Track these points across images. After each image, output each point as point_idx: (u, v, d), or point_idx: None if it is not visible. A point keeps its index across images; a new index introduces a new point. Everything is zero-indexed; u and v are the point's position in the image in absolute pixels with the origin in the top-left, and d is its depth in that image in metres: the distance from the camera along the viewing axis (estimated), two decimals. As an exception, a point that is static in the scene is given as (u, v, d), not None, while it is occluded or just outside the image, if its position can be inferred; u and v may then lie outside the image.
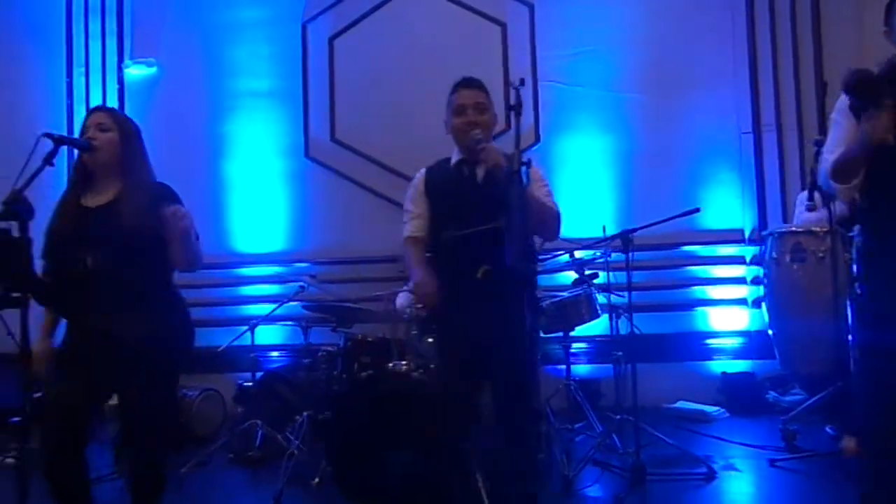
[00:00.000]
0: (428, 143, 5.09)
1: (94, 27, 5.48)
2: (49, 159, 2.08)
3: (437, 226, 2.55)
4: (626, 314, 3.20)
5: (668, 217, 3.14)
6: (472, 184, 2.53)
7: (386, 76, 5.17)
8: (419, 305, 2.55)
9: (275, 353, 5.15)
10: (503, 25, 5.07)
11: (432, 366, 2.91)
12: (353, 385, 2.96)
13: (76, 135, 2.29)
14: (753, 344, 4.70)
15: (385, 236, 5.07)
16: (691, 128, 4.87)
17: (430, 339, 3.05)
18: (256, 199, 5.28)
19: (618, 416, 3.37)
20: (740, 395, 4.44)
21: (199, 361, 2.72)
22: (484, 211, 2.37)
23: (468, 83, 2.64)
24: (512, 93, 2.20)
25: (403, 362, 2.98)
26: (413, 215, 2.61)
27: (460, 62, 5.04)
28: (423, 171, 2.67)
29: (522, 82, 2.17)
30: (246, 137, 5.33)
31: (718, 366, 4.69)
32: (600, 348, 4.46)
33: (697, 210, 3.21)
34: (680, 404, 4.35)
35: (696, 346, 4.78)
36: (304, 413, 3.47)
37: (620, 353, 3.43)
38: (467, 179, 2.55)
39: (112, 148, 2.24)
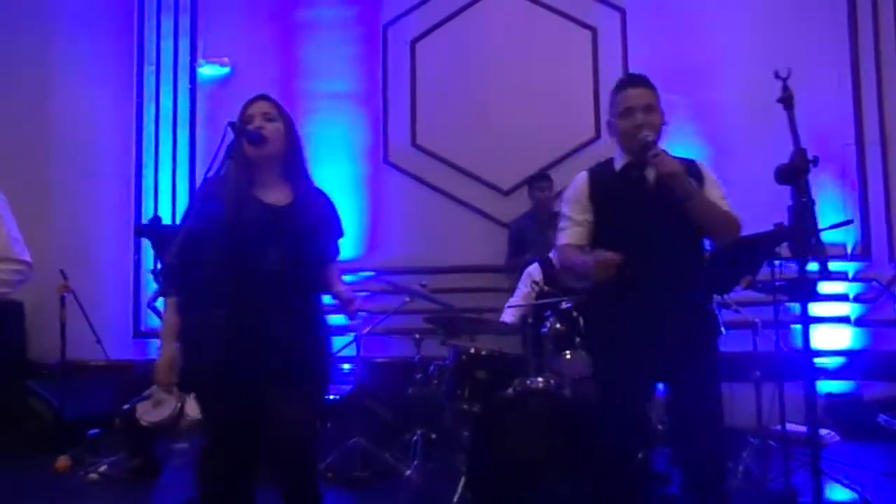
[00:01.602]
0: (512, 148, 5.03)
1: (167, 25, 5.35)
2: (231, 152, 1.92)
3: (603, 233, 2.33)
4: (769, 329, 3.01)
5: (823, 228, 2.95)
6: (641, 189, 2.30)
7: (469, 80, 5.02)
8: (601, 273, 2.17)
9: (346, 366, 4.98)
10: (593, 30, 4.93)
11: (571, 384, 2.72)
12: (496, 403, 2.75)
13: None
14: (857, 364, 4.50)
15: (466, 245, 4.93)
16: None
17: (568, 356, 2.85)
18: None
19: (755, 440, 3.17)
20: (848, 418, 4.23)
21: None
22: (656, 218, 2.18)
23: (635, 81, 2.36)
24: (780, 85, 1.95)
25: (540, 379, 2.79)
26: (574, 222, 2.37)
27: (547, 67, 4.94)
28: (584, 174, 2.41)
29: (789, 73, 1.96)
30: (321, 140, 5.16)
31: (821, 386, 4.48)
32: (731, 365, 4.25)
33: (850, 222, 3.02)
34: (788, 426, 4.14)
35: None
36: (418, 431, 3.27)
37: (759, 373, 3.23)
38: (636, 184, 2.31)
39: (279, 139, 2.07)
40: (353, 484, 3.39)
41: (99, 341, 4.31)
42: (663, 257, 2.17)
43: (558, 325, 2.85)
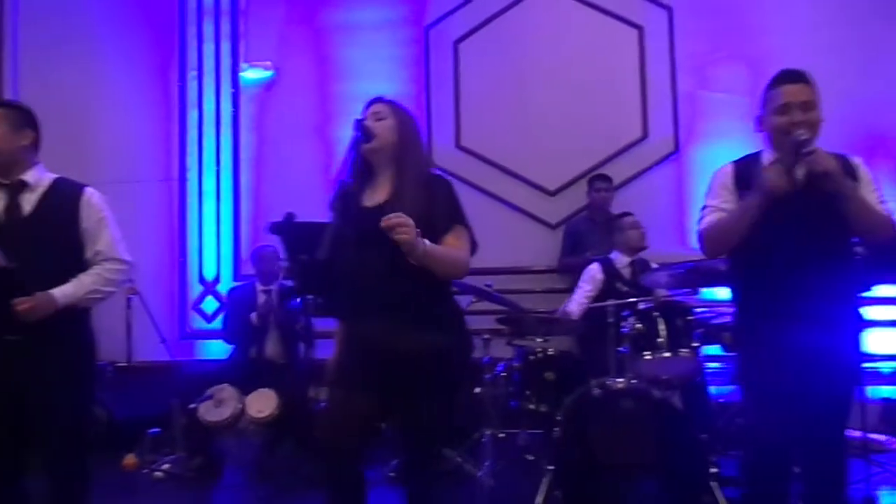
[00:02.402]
0: (558, 149, 5.02)
1: (208, 30, 5.36)
2: (355, 147, 1.95)
3: (747, 235, 2.17)
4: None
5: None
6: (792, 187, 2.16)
7: (513, 81, 5.01)
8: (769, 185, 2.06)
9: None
10: (640, 28, 4.91)
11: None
12: (583, 403, 2.74)
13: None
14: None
15: (513, 246, 4.91)
16: (852, 132, 4.60)
17: (649, 356, 2.84)
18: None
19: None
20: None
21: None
22: (804, 217, 2.10)
23: (794, 77, 2.21)
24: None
25: (620, 380, 2.78)
26: (714, 209, 2.26)
27: (593, 66, 4.93)
28: (729, 165, 2.31)
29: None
30: (365, 143, 5.17)
31: (877, 392, 4.44)
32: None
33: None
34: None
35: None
36: (487, 432, 3.26)
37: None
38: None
39: (388, 136, 2.06)
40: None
41: (164, 341, 4.32)
42: (812, 257, 2.09)
43: (639, 326, 2.83)
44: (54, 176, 2.37)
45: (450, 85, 5.08)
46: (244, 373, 3.98)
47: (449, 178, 5.25)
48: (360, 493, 2.03)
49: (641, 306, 2.95)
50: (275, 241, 4.13)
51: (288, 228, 1.85)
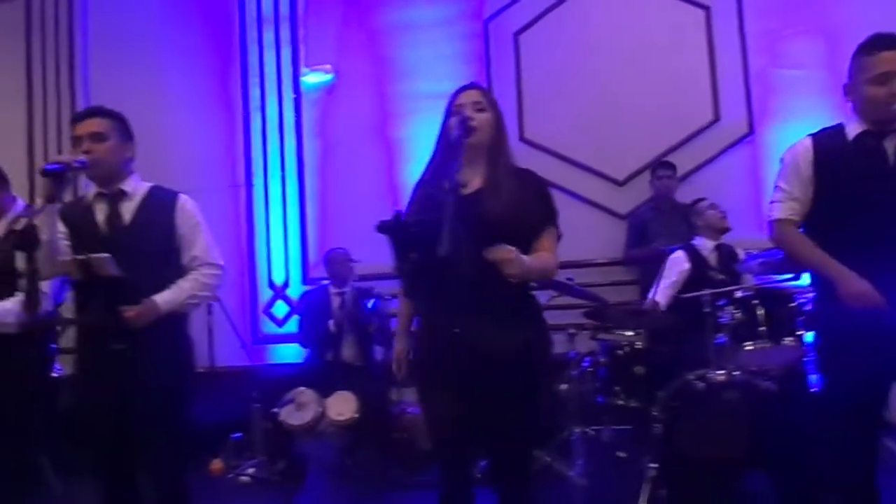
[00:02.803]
0: (626, 137, 4.88)
1: (268, 37, 5.41)
2: (459, 142, 1.91)
3: (827, 210, 2.09)
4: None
5: None
6: (879, 161, 2.05)
7: (576, 69, 4.91)
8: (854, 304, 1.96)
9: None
10: (706, 9, 4.74)
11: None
12: (685, 396, 2.65)
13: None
14: None
15: (583, 239, 4.79)
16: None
17: (749, 347, 2.72)
18: (440, 205, 5.08)
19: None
20: None
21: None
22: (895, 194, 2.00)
23: (892, 43, 2.04)
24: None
25: (721, 371, 2.66)
26: (789, 195, 2.14)
27: (658, 50, 4.79)
28: (807, 140, 2.16)
29: None
30: (426, 141, 5.12)
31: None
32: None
33: None
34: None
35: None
36: (575, 430, 3.18)
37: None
38: (873, 156, 2.05)
39: (488, 129, 2.02)
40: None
41: (245, 346, 4.37)
42: None
43: (738, 315, 2.71)
44: (149, 184, 2.40)
45: (511, 77, 5.00)
46: (322, 376, 3.99)
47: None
48: (471, 495, 1.98)
49: (739, 294, 2.83)
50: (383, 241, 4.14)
51: (396, 227, 1.81)
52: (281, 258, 5.28)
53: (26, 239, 1.75)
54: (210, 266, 2.35)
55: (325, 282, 4.37)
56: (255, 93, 5.40)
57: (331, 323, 4.07)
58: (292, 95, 5.35)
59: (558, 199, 5.30)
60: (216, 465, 3.87)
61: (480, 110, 2.01)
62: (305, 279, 5.22)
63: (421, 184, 2.08)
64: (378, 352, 4.24)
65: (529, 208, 1.97)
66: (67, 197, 2.25)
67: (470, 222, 1.81)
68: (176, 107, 5.48)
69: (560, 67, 4.93)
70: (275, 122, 5.36)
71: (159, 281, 2.24)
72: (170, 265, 2.30)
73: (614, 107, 4.80)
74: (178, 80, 5.49)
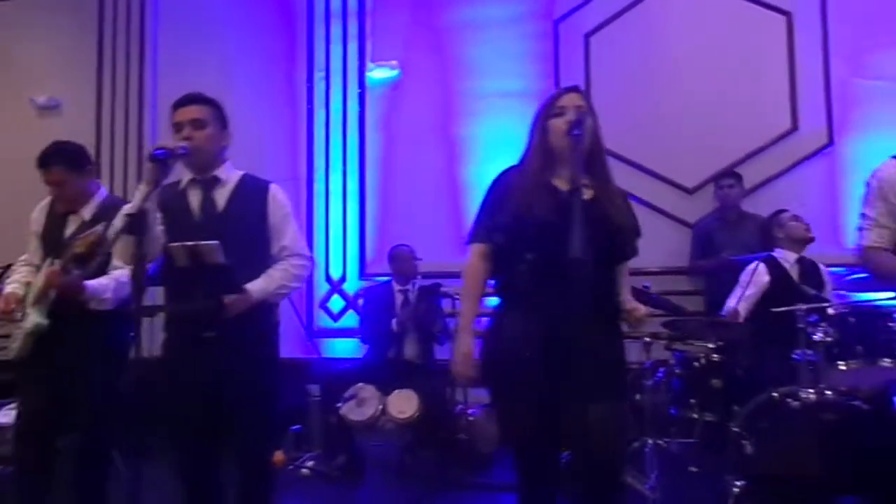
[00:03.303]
0: (698, 144, 4.77)
1: (336, 31, 5.42)
2: (576, 141, 1.87)
3: None
4: None
5: None
6: None
7: (649, 74, 4.81)
8: None
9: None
10: (788, 14, 4.60)
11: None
12: (772, 413, 2.55)
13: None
14: None
15: (650, 246, 4.65)
16: None
17: (843, 366, 2.61)
18: (503, 206, 5.03)
19: None
20: None
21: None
22: None
23: None
24: None
25: (810, 390, 2.56)
26: (876, 223, 2.08)
27: (735, 56, 4.67)
28: (889, 162, 2.09)
29: None
30: (492, 140, 5.10)
31: None
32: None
33: None
34: None
35: None
36: (649, 441, 3.10)
37: None
38: None
39: (590, 135, 1.97)
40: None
41: (307, 339, 4.39)
42: None
43: (831, 332, 2.61)
44: (241, 172, 2.40)
45: (580, 80, 4.90)
46: (383, 373, 3.97)
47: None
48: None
49: (832, 311, 2.71)
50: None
51: (513, 227, 1.80)
52: (339, 253, 5.29)
53: (138, 223, 1.75)
54: (299, 257, 2.34)
55: (384, 278, 4.36)
56: (320, 87, 5.41)
57: (394, 322, 4.04)
58: (357, 90, 5.34)
59: (626, 204, 5.19)
60: (278, 456, 3.87)
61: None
62: (362, 274, 5.21)
63: (510, 184, 2.03)
64: (439, 351, 4.22)
65: (631, 219, 2.03)
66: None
67: (592, 227, 1.78)
68: (241, 99, 5.51)
69: (631, 71, 4.84)
70: (338, 117, 5.37)
71: (249, 269, 2.23)
72: (259, 254, 2.30)
73: (687, 112, 4.69)
74: (245, 73, 5.53)
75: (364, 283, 5.08)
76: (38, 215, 2.74)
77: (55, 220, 2.68)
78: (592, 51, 4.93)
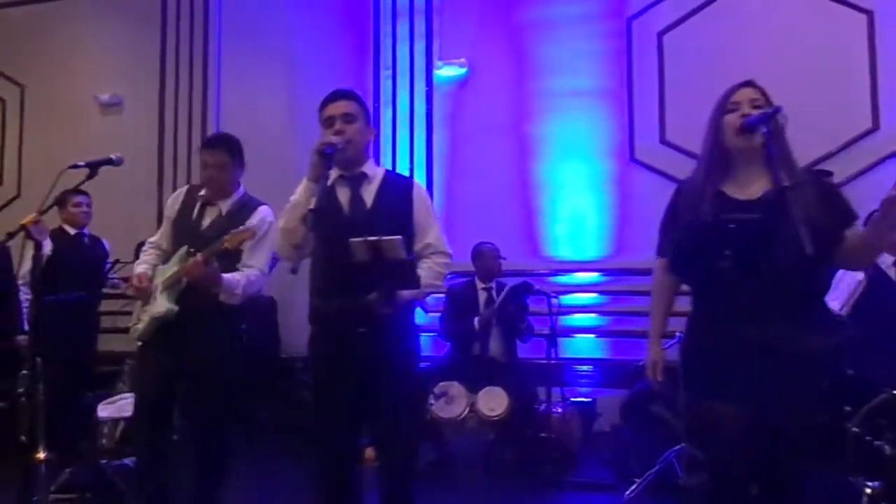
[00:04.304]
0: (774, 144, 4.75)
1: (402, 29, 5.43)
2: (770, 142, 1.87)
3: None
4: None
5: None
6: None
7: (724, 72, 4.68)
8: None
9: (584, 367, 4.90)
10: (869, 13, 4.57)
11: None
12: None
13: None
14: None
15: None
16: None
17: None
18: (573, 203, 5.03)
19: None
20: None
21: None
22: None
23: None
24: None
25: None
26: None
27: (814, 55, 4.63)
28: None
29: None
30: (562, 139, 5.10)
31: None
32: None
33: None
34: None
35: None
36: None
37: None
38: None
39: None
40: (680, 492, 3.28)
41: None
42: None
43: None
44: (384, 168, 2.42)
45: (654, 78, 4.91)
46: (468, 370, 3.98)
47: (653, 174, 5.09)
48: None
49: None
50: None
51: (714, 225, 1.80)
52: (406, 250, 5.30)
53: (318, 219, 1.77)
54: (443, 255, 2.33)
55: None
56: (386, 85, 5.43)
57: (476, 319, 4.05)
58: (424, 88, 5.35)
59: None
60: (369, 453, 3.88)
61: (758, 107, 1.96)
62: (430, 272, 5.22)
63: (683, 191, 2.01)
64: (521, 349, 4.23)
65: (831, 213, 1.88)
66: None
67: (774, 229, 1.78)
68: (306, 98, 5.53)
69: (706, 69, 4.79)
70: (405, 115, 5.38)
71: None
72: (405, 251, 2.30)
73: (763, 111, 4.66)
74: (310, 72, 5.55)
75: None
76: (172, 202, 2.79)
77: (190, 209, 2.71)
78: (666, 49, 4.91)
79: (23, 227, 2.33)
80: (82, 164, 2.54)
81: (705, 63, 4.81)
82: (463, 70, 5.27)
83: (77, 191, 4.11)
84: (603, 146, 5.00)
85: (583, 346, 4.90)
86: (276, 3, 5.67)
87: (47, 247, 3.82)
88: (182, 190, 2.83)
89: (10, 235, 2.27)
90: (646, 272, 4.65)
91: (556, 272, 4.97)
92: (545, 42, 5.13)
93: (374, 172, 2.32)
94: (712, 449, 1.94)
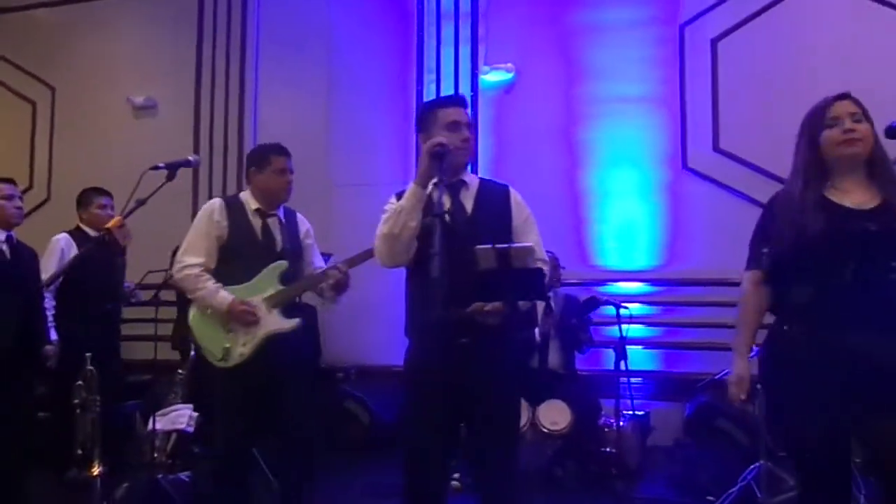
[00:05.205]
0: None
1: (447, 33, 5.35)
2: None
3: None
4: None
5: None
6: None
7: (778, 79, 4.69)
8: None
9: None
10: (928, 19, 4.49)
11: None
12: None
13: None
14: None
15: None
16: None
17: None
18: (624, 211, 4.93)
19: None
20: None
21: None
22: None
23: None
24: None
25: None
26: None
27: (872, 64, 4.54)
28: None
29: None
30: (612, 145, 5.00)
31: None
32: None
33: None
34: None
35: None
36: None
37: None
38: None
39: (869, 141, 1.91)
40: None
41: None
42: None
43: None
44: (478, 176, 2.35)
45: (707, 85, 4.83)
46: (527, 382, 3.87)
47: (706, 182, 4.97)
48: None
49: None
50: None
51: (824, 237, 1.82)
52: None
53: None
54: (543, 262, 2.24)
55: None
56: (430, 90, 5.33)
57: (536, 330, 3.95)
58: (469, 93, 5.25)
59: (753, 212, 5.12)
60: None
61: (858, 121, 1.91)
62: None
63: (779, 205, 1.97)
64: (581, 360, 4.13)
65: None
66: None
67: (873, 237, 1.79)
68: (348, 102, 5.47)
69: (760, 76, 4.73)
70: (450, 120, 5.28)
71: None
72: None
73: (819, 119, 4.57)
74: (351, 76, 5.48)
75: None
76: (212, 219, 2.66)
77: (247, 223, 2.64)
78: (720, 56, 4.83)
79: (107, 231, 2.22)
80: (162, 165, 2.46)
81: (760, 71, 4.74)
82: (510, 75, 5.18)
83: (101, 191, 4.03)
84: (655, 153, 4.90)
85: (634, 358, 4.78)
86: (315, 5, 5.60)
87: (71, 250, 3.72)
88: (216, 205, 2.71)
89: (100, 239, 2.16)
90: (698, 283, 4.66)
91: (606, 281, 4.87)
92: (595, 46, 5.04)
93: (471, 179, 2.28)
94: (815, 466, 1.86)
